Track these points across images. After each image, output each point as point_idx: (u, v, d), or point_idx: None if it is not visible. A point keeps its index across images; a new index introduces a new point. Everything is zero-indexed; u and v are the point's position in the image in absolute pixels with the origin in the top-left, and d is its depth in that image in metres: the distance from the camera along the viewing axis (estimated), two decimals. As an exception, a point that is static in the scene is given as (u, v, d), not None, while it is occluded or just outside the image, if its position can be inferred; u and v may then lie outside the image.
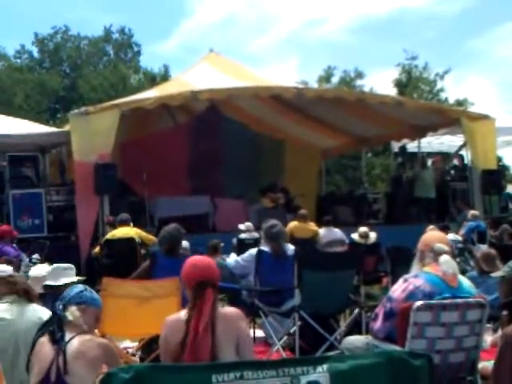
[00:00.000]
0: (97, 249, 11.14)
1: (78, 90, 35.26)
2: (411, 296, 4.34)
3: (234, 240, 11.11)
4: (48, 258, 8.86)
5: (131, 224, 10.84)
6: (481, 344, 4.57)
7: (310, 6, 56.62)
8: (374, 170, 29.30)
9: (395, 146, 19.10)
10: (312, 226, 12.94)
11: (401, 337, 4.31)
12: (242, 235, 11.31)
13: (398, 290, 4.45)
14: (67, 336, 3.79)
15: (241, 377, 2.71)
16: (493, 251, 7.40)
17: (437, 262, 4.43)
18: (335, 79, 34.88)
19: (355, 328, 6.67)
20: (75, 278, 5.84)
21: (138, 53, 40.25)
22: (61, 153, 14.73)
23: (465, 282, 4.56)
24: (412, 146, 17.95)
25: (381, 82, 59.48)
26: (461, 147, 16.64)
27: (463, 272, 5.99)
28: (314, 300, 6.39)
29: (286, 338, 6.87)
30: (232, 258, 7.89)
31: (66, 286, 4.98)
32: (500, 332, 5.17)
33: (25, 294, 4.68)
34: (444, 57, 55.05)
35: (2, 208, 12.95)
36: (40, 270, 6.13)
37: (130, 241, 10.47)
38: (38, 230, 12.81)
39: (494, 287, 5.50)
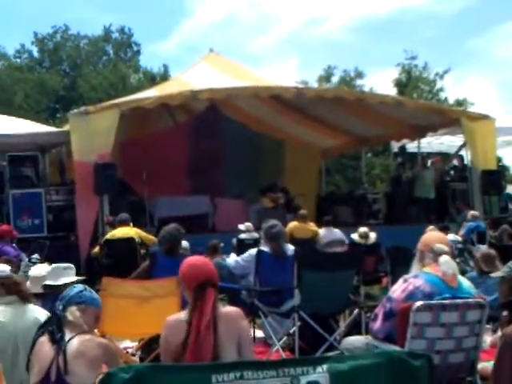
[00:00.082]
0: (96, 249, 11.14)
1: (78, 90, 35.26)
2: (411, 296, 4.34)
3: (234, 240, 11.11)
4: (48, 258, 8.85)
5: (131, 224, 10.83)
6: (480, 344, 4.58)
7: (310, 6, 56.74)
8: (373, 170, 29.31)
9: (395, 146, 19.11)
10: (312, 226, 12.94)
11: (400, 337, 4.31)
12: (242, 235, 11.31)
13: (397, 290, 4.45)
14: (67, 336, 3.79)
15: (241, 377, 2.71)
16: (492, 252, 7.40)
17: (436, 262, 4.43)
18: (335, 79, 34.94)
19: (355, 328, 6.66)
20: (75, 278, 5.85)
21: (138, 52, 40.28)
22: (61, 152, 14.73)
23: (464, 282, 4.57)
24: (412, 146, 17.95)
25: (381, 82, 59.46)
26: (460, 147, 16.64)
27: (463, 272, 5.99)
28: (314, 300, 6.39)
29: (285, 338, 6.87)
30: (232, 258, 7.89)
31: (66, 285, 4.98)
32: (499, 332, 5.17)
33: (22, 295, 4.68)
34: (444, 56, 55.18)
35: (1, 208, 12.95)
36: (40, 269, 6.12)
37: (129, 241, 10.47)
38: (37, 230, 12.81)
39: (494, 288, 5.50)
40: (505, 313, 4.62)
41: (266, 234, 7.22)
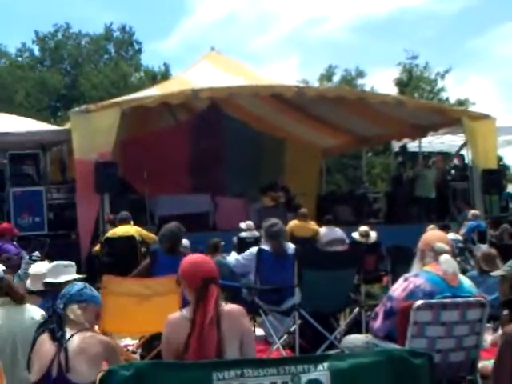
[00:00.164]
0: (97, 247, 11.15)
1: (79, 88, 35.27)
2: (411, 295, 4.34)
3: (235, 238, 11.11)
4: (48, 256, 8.82)
5: (131, 222, 10.84)
6: (481, 343, 4.58)
7: (311, 5, 56.79)
8: (374, 170, 29.29)
9: (396, 145, 19.11)
10: (312, 224, 12.94)
11: (401, 336, 4.31)
12: (243, 234, 11.32)
13: (398, 289, 4.45)
14: (68, 333, 3.80)
15: (241, 374, 2.71)
16: (493, 251, 7.41)
17: (437, 261, 4.43)
18: (336, 78, 34.93)
19: (355, 327, 6.67)
20: (75, 276, 5.84)
21: (139, 51, 40.26)
22: (61, 151, 14.74)
23: (465, 281, 4.57)
24: (413, 146, 17.95)
25: (382, 81, 59.58)
26: (461, 147, 16.64)
27: (463, 271, 5.99)
28: (314, 299, 6.39)
29: (285, 336, 6.88)
30: (232, 257, 7.89)
31: (66, 283, 4.98)
32: (500, 331, 5.18)
33: (15, 297, 4.68)
34: (444, 56, 55.15)
35: (2, 206, 12.95)
36: (40, 267, 6.12)
37: (130, 239, 10.47)
38: (38, 228, 12.80)
39: (494, 287, 5.51)
40: (505, 312, 4.62)
41: (267, 233, 7.22)
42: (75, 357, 3.69)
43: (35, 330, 4.04)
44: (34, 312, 4.66)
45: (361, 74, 34.66)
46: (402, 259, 7.13)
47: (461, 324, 4.37)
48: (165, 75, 34.53)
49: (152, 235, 10.42)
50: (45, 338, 3.85)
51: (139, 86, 30.04)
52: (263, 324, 7.08)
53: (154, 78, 34.79)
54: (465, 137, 15.58)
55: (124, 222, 10.74)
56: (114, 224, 11.03)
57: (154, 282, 6.39)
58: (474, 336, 4.44)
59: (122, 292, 6.24)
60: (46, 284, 5.75)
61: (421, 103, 18.94)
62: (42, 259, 8.23)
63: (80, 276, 5.88)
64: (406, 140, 17.93)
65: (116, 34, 39.76)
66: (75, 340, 3.75)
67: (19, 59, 38.37)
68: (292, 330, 6.66)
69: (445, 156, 18.33)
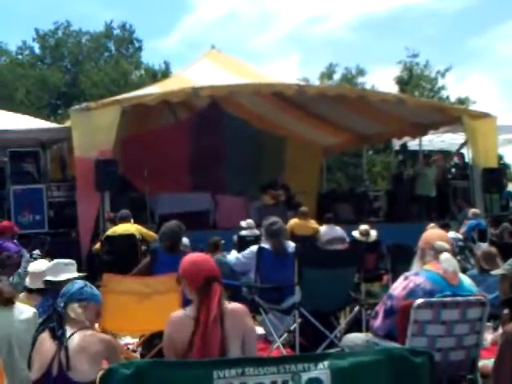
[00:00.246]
0: (97, 245, 11.15)
1: (79, 86, 35.25)
2: (412, 294, 4.34)
3: (235, 237, 11.11)
4: (49, 254, 8.84)
5: (132, 220, 10.84)
6: (481, 342, 4.58)
7: (312, 3, 56.71)
8: (374, 168, 29.28)
9: (396, 143, 19.12)
10: (312, 223, 12.93)
11: (401, 334, 4.31)
12: (243, 232, 11.31)
13: (398, 287, 4.45)
14: (68, 331, 3.80)
15: (242, 373, 2.71)
16: (493, 249, 7.40)
17: (437, 259, 4.43)
18: (337, 76, 34.91)
19: (355, 325, 6.66)
20: (76, 274, 5.84)
21: (140, 49, 40.25)
22: (62, 149, 14.73)
23: (465, 280, 4.57)
24: (413, 144, 17.96)
25: (382, 80, 59.48)
26: (462, 145, 16.64)
27: (464, 270, 6.00)
28: (315, 297, 6.39)
29: (286, 335, 6.88)
30: (233, 255, 7.88)
31: (67, 281, 4.98)
32: (500, 330, 5.17)
33: (2, 299, 4.67)
34: (445, 54, 54.99)
35: (2, 204, 12.95)
36: (39, 265, 6.11)
37: (130, 237, 10.47)
38: (38, 226, 12.81)
39: (495, 285, 5.50)
40: (505, 310, 4.62)
41: (267, 231, 7.22)
42: (76, 355, 3.69)
43: (35, 330, 4.04)
44: (25, 310, 4.66)
45: (361, 73, 34.66)
46: (402, 258, 7.14)
47: (461, 323, 4.37)
48: (165, 73, 34.52)
49: (152, 233, 10.42)
50: (45, 336, 3.85)
51: (139, 83, 30.02)
52: (263, 322, 7.08)
53: (154, 75, 34.77)
54: (465, 135, 15.58)
55: (124, 220, 10.74)
56: (115, 222, 11.03)
57: (155, 280, 6.39)
58: (474, 335, 4.44)
59: (122, 290, 6.24)
60: (46, 282, 5.74)
61: (421, 102, 18.91)
62: (42, 257, 8.24)
63: (80, 274, 5.89)
64: (406, 138, 17.94)
65: (116, 31, 39.77)
66: (76, 338, 3.75)
67: (19, 57, 38.37)
68: (292, 328, 6.66)
69: (445, 154, 18.33)
